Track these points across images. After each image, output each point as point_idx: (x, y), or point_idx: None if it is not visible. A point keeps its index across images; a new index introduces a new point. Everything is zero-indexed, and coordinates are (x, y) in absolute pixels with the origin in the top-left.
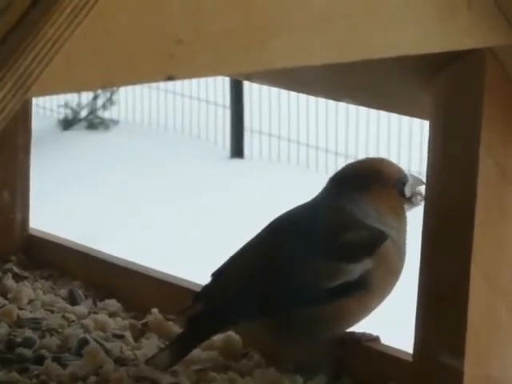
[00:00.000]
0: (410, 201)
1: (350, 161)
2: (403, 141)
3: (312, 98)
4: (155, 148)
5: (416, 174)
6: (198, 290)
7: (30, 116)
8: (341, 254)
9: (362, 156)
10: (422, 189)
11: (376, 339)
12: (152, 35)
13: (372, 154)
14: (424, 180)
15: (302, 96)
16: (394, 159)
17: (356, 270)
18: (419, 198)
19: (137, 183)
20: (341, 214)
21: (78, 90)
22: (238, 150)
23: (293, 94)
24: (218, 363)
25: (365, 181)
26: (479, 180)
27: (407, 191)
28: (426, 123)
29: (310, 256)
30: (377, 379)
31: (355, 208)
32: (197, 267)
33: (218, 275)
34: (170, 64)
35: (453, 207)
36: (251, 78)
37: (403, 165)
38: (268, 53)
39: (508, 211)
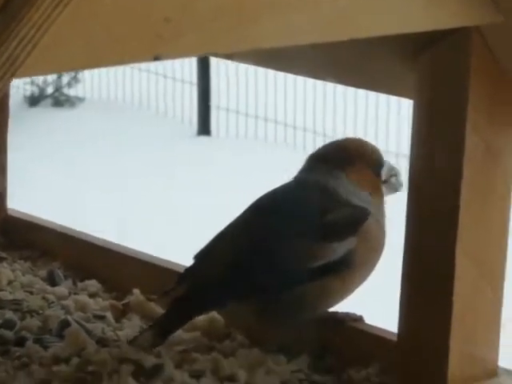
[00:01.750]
0: (385, 185)
1: (319, 137)
2: (380, 120)
3: (279, 74)
4: (122, 125)
5: (391, 163)
6: (177, 269)
7: (8, 94)
8: (325, 233)
9: (330, 131)
10: (395, 178)
11: (360, 319)
12: (139, 14)
13: (343, 132)
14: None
15: (270, 72)
16: (370, 139)
17: (340, 248)
18: (393, 185)
19: (105, 159)
20: (324, 192)
21: (64, 70)
22: (204, 128)
23: (260, 70)
24: (201, 344)
25: (348, 159)
26: (465, 158)
27: (383, 174)
28: (404, 102)
29: (294, 236)
30: (361, 359)
31: (338, 186)
32: (170, 244)
33: (200, 257)
34: (157, 43)
35: (438, 187)
36: (233, 57)
37: (380, 144)
38: (256, 31)
39: (494, 190)
